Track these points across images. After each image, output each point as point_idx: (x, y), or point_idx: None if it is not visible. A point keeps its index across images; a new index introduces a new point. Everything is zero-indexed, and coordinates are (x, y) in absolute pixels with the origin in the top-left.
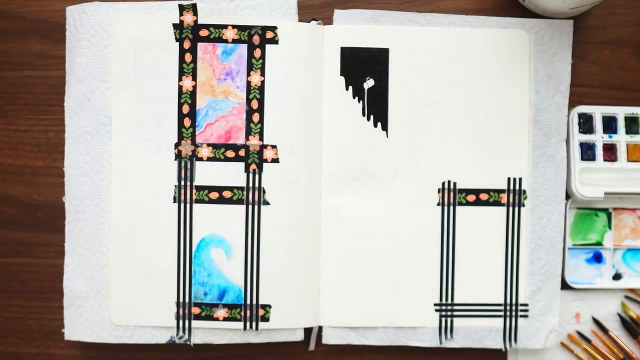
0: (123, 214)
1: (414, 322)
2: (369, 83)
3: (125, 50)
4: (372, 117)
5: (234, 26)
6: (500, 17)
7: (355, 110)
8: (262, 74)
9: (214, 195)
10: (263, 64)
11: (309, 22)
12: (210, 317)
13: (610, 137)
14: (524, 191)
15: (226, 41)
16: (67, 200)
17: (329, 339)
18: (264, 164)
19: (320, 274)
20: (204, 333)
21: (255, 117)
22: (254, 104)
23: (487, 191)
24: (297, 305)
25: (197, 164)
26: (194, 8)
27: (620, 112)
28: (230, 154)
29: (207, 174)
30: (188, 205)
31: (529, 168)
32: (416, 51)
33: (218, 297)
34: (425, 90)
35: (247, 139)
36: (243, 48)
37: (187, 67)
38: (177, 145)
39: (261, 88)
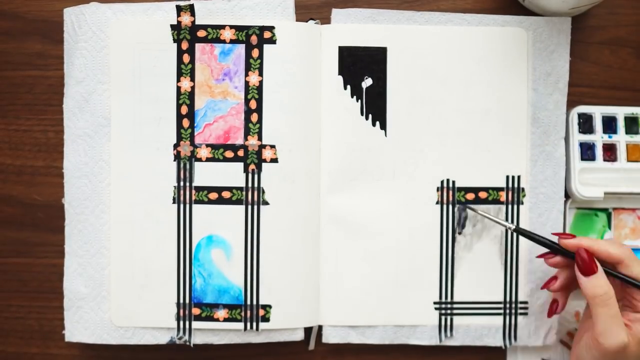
0: (122, 215)
1: (413, 320)
2: (367, 82)
3: (123, 52)
4: (370, 116)
5: (231, 26)
6: (498, 15)
7: (354, 110)
8: (260, 74)
9: (213, 195)
10: (261, 64)
11: (306, 21)
12: (210, 318)
13: (610, 137)
14: (523, 189)
15: (224, 41)
16: (66, 202)
17: (329, 338)
18: (263, 164)
19: (320, 274)
20: (205, 334)
21: (254, 117)
22: (253, 104)
23: (486, 189)
24: (297, 305)
25: (196, 164)
26: (191, 9)
27: (620, 112)
28: (229, 154)
29: (206, 174)
30: (187, 206)
31: (527, 166)
32: (414, 50)
33: (218, 298)
34: (423, 88)
35: (245, 139)
36: (241, 48)
37: (185, 68)
38: (176, 146)
39: (259, 88)
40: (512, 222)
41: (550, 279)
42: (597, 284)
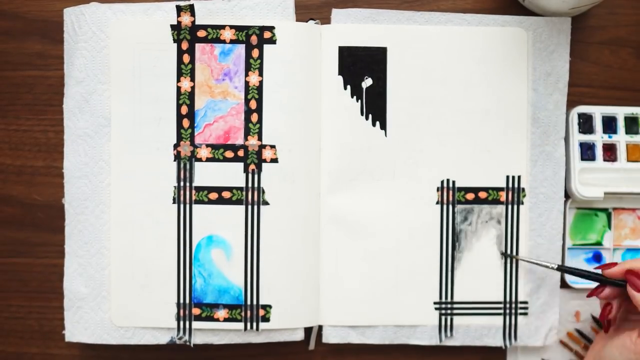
0: (123, 216)
1: (413, 320)
2: (367, 82)
3: (123, 52)
4: (370, 116)
5: (231, 26)
6: (498, 15)
7: (354, 110)
8: (260, 74)
9: (214, 195)
10: (261, 64)
11: (306, 21)
12: (210, 318)
13: (610, 137)
14: (523, 189)
15: (224, 42)
16: (66, 202)
17: (329, 338)
18: (263, 164)
19: (320, 274)
20: (205, 334)
21: (254, 117)
22: (253, 104)
23: (486, 189)
24: (297, 305)
25: (196, 164)
26: (191, 9)
27: (620, 112)
28: (229, 154)
29: (206, 174)
30: (187, 206)
31: (527, 166)
32: (414, 50)
33: (218, 298)
34: (423, 88)
35: (246, 139)
36: (241, 48)
37: (185, 68)
38: (176, 146)
39: (259, 88)
40: (512, 221)
41: (605, 307)
42: None
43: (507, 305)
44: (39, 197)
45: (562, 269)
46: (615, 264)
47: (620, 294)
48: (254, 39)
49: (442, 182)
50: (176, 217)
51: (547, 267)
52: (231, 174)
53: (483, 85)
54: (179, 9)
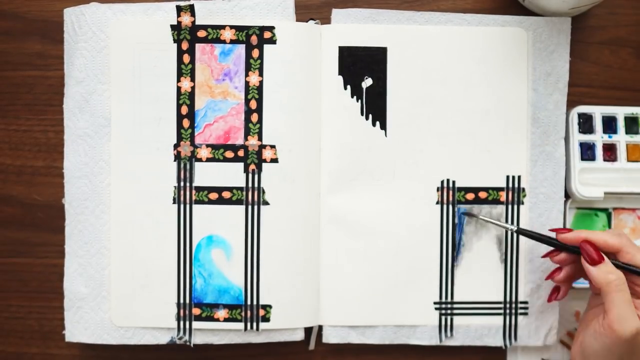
0: (123, 216)
1: (413, 320)
2: (367, 82)
3: (124, 52)
4: (370, 116)
5: (231, 27)
6: (498, 15)
7: (354, 110)
8: (261, 74)
9: (214, 195)
10: (261, 64)
11: (306, 21)
12: (210, 318)
13: (610, 137)
14: (523, 189)
15: (224, 42)
16: (66, 202)
17: (329, 338)
18: (263, 164)
19: (320, 274)
20: (205, 334)
21: (254, 117)
22: (253, 104)
23: (486, 189)
24: (297, 305)
25: (197, 164)
26: (191, 9)
27: (620, 112)
28: (230, 154)
29: (207, 174)
30: (188, 206)
31: (527, 166)
32: (414, 50)
33: (218, 298)
34: (423, 88)
35: (246, 139)
36: (241, 48)
37: (185, 68)
38: (176, 146)
39: (259, 88)
40: (513, 223)
41: (555, 270)
42: (608, 270)
43: (507, 305)
44: (39, 197)
45: (521, 231)
46: (571, 230)
47: (574, 261)
48: (254, 39)
49: (442, 182)
50: (176, 217)
51: (506, 228)
52: (231, 174)
53: (483, 85)
54: (179, 9)
